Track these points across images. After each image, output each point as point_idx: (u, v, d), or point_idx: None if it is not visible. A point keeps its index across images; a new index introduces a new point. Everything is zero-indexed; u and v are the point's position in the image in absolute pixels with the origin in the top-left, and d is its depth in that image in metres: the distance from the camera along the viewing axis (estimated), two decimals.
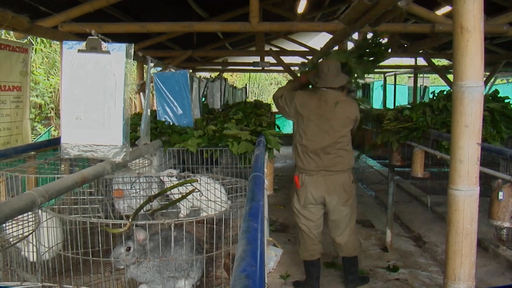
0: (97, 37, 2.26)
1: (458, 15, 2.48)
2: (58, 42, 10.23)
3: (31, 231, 1.66)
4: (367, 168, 11.66)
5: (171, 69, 4.57)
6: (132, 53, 2.37)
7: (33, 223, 1.74)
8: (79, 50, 2.29)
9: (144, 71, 9.18)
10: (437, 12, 7.05)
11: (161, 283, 2.16)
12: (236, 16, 8.30)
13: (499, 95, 5.04)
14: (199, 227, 2.64)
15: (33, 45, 12.19)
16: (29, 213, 1.77)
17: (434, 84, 19.81)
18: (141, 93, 7.99)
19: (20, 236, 1.69)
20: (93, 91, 2.33)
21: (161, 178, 2.90)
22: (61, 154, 2.47)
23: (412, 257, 5.64)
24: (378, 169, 11.01)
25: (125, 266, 2.14)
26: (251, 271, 0.91)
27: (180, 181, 2.49)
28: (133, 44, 2.36)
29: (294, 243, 5.94)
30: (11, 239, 1.75)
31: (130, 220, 1.86)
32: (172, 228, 1.93)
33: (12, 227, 1.80)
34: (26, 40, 5.07)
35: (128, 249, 2.09)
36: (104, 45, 2.29)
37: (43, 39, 13.06)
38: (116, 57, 2.30)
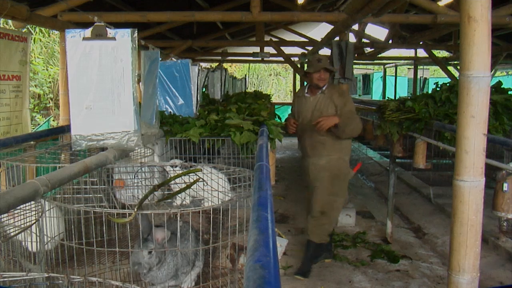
0: (103, 24, 2.23)
1: (466, 4, 2.45)
2: (57, 32, 10.15)
3: (35, 221, 1.63)
4: (366, 159, 11.65)
5: (173, 59, 4.53)
6: (137, 38, 2.34)
7: (36, 212, 1.71)
8: (84, 38, 2.25)
9: None
10: (439, 3, 7.02)
11: (175, 278, 2.12)
12: (236, 6, 8.26)
13: (502, 87, 5.02)
14: (199, 217, 2.62)
15: (32, 34, 12.12)
16: (32, 202, 1.75)
17: (434, 76, 19.81)
18: (141, 83, 7.92)
19: (23, 226, 1.67)
20: (101, 78, 2.30)
21: (165, 167, 2.87)
22: (73, 146, 2.43)
23: (412, 248, 5.63)
24: (377, 160, 11.01)
25: (146, 270, 2.07)
26: (265, 261, 0.88)
27: (184, 171, 2.46)
28: (136, 29, 2.34)
29: (295, 234, 5.95)
30: (14, 229, 1.73)
31: (135, 209, 1.83)
32: (178, 218, 1.91)
33: (14, 217, 1.77)
34: (25, 29, 5.03)
35: (150, 252, 2.02)
36: (109, 32, 2.26)
37: (41, 28, 12.99)
38: (122, 43, 2.27)
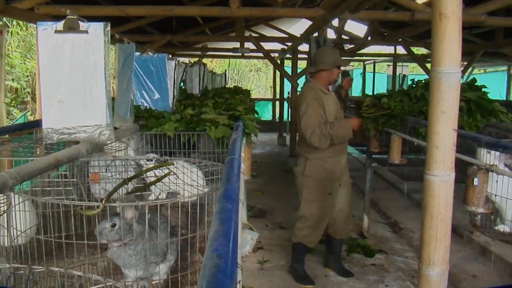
0: (75, 17, 2.22)
1: (437, 1, 2.48)
2: (34, 25, 10.03)
3: (2, 213, 1.63)
4: None
5: (149, 53, 4.51)
6: (109, 31, 2.33)
7: (4, 205, 1.70)
8: (56, 31, 2.24)
9: None
10: (417, 0, 7.08)
11: (144, 268, 2.12)
12: (216, 1, 8.23)
13: (476, 84, 5.08)
14: (174, 211, 2.63)
15: (8, 27, 11.93)
16: (0, 195, 1.74)
17: (413, 72, 19.96)
18: (114, 77, 7.88)
19: None
20: (72, 72, 2.29)
21: (139, 162, 2.87)
22: (44, 139, 2.42)
23: (388, 243, 5.70)
24: (356, 156, 11.09)
25: (108, 243, 2.08)
26: (223, 250, 0.89)
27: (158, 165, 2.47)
28: (109, 23, 2.33)
29: (272, 229, 5.98)
30: None
31: (103, 202, 1.83)
32: (146, 211, 1.91)
33: None
34: (1, 22, 4.96)
35: (113, 225, 2.03)
36: (82, 25, 2.26)
37: (19, 21, 12.80)
38: (94, 36, 2.27)
